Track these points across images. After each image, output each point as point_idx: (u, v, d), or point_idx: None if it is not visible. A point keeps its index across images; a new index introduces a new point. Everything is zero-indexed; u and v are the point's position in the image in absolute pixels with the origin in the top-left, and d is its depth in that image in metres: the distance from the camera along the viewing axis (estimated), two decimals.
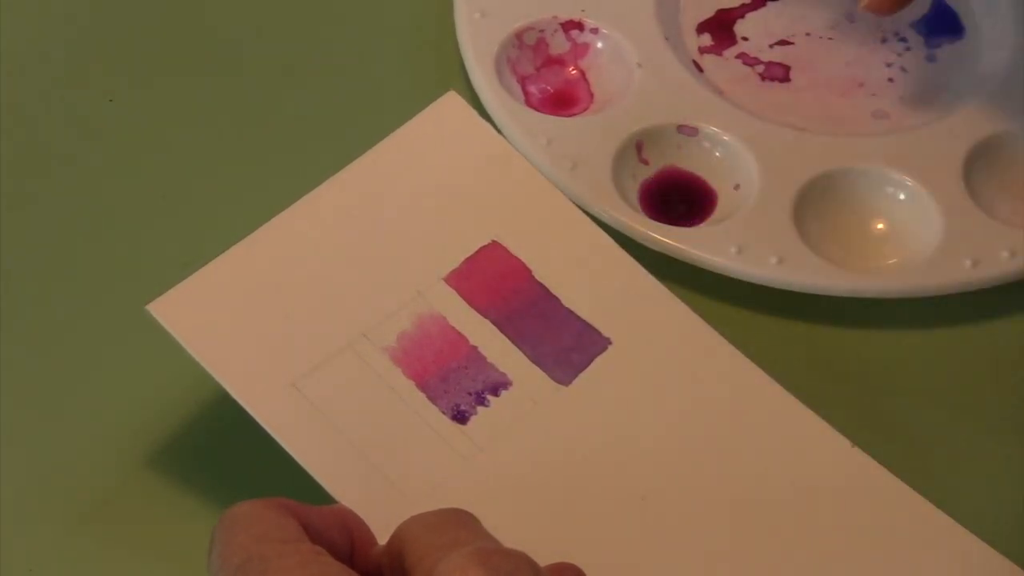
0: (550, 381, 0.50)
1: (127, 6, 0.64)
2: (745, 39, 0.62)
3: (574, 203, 0.54)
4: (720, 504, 0.48)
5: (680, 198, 0.57)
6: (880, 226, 0.56)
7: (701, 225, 0.56)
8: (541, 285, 0.52)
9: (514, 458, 0.48)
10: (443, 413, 0.49)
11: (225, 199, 0.58)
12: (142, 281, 0.50)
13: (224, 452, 0.51)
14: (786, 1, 0.63)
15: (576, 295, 0.52)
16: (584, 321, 0.51)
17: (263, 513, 0.40)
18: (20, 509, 0.50)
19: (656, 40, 0.60)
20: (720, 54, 0.62)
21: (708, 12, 0.63)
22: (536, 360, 0.50)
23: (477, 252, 0.52)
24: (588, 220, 0.54)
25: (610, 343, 0.51)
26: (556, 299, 0.52)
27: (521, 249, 0.52)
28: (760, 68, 0.61)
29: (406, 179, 0.53)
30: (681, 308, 0.52)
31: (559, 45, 0.61)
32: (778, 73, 0.61)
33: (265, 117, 0.60)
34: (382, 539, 0.42)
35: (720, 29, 0.62)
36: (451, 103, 0.55)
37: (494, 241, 0.53)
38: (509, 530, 0.41)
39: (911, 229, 0.56)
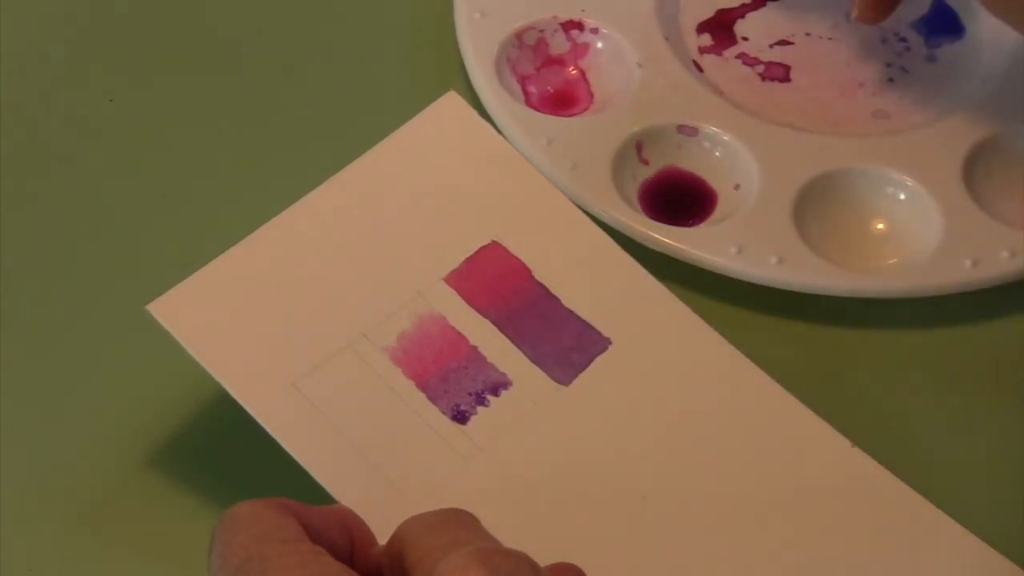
0: (550, 381, 0.50)
1: (127, 6, 0.64)
2: (745, 39, 0.62)
3: (574, 203, 0.54)
4: (720, 504, 0.48)
5: (680, 198, 0.57)
6: (880, 226, 0.56)
7: (701, 225, 0.56)
8: (541, 285, 0.52)
9: (514, 458, 0.48)
10: (443, 413, 0.49)
11: (225, 199, 0.58)
12: (142, 281, 0.50)
13: (224, 452, 0.51)
14: (786, 1, 0.63)
15: (576, 295, 0.52)
16: (584, 321, 0.51)
17: (263, 513, 0.40)
18: (20, 509, 0.50)
19: (656, 40, 0.60)
20: (720, 54, 0.62)
21: (708, 12, 0.63)
22: (536, 360, 0.50)
23: (477, 252, 0.52)
24: (588, 220, 0.54)
25: (610, 343, 0.51)
26: (556, 299, 0.52)
27: (521, 249, 0.52)
28: (760, 68, 0.61)
29: (406, 179, 0.53)
30: (681, 308, 0.52)
31: (559, 45, 0.61)
32: (778, 73, 0.61)
33: (265, 117, 0.60)
34: (382, 539, 0.42)
35: (720, 29, 0.62)
36: (451, 103, 0.55)
37: (494, 241, 0.53)
38: (509, 530, 0.41)
39: (911, 229, 0.56)
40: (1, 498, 0.50)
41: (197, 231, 0.57)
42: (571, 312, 0.52)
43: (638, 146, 0.57)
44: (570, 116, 0.59)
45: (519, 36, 0.60)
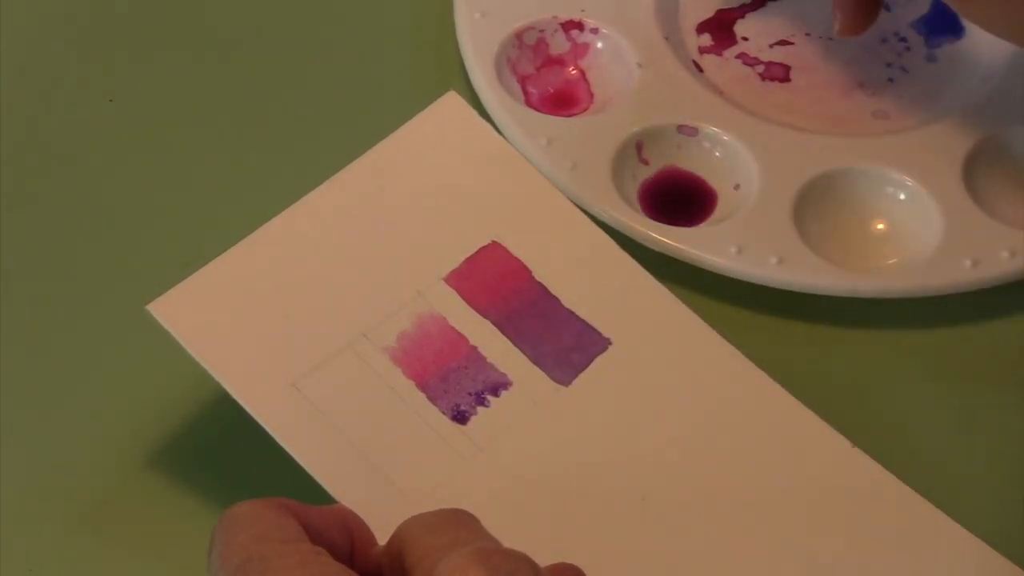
0: (550, 381, 0.50)
1: (127, 6, 0.64)
2: (745, 39, 0.62)
3: (574, 203, 0.54)
4: (720, 504, 0.48)
5: (680, 198, 0.57)
6: (880, 226, 0.56)
7: (701, 225, 0.56)
8: (541, 285, 0.52)
9: (514, 458, 0.48)
10: (443, 413, 0.49)
11: (225, 199, 0.58)
12: (142, 281, 0.50)
13: (224, 452, 0.51)
14: (786, 1, 0.63)
15: (576, 295, 0.52)
16: (584, 321, 0.51)
17: (263, 513, 0.40)
18: (20, 509, 0.50)
19: (656, 40, 0.60)
20: (720, 54, 0.62)
21: (708, 12, 0.63)
22: (536, 360, 0.50)
23: (477, 252, 0.52)
24: (588, 220, 0.54)
25: (610, 343, 0.51)
26: (556, 299, 0.52)
27: (521, 249, 0.52)
28: (760, 68, 0.61)
29: (406, 179, 0.53)
30: (681, 308, 0.52)
31: (559, 45, 0.61)
32: (778, 73, 0.61)
33: (265, 117, 0.60)
34: (382, 539, 0.42)
35: (720, 29, 0.62)
36: (451, 103, 0.55)
37: (494, 241, 0.53)
38: (509, 530, 0.41)
39: (911, 229, 0.56)
40: (1, 498, 0.50)
41: (197, 231, 0.57)
42: (571, 312, 0.52)
43: (638, 146, 0.57)
44: (570, 116, 0.59)
45: (519, 36, 0.60)
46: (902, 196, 0.56)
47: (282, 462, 0.47)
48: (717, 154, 0.58)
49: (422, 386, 0.49)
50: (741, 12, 0.63)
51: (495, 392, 0.50)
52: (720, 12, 0.63)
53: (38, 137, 0.60)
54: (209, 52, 0.62)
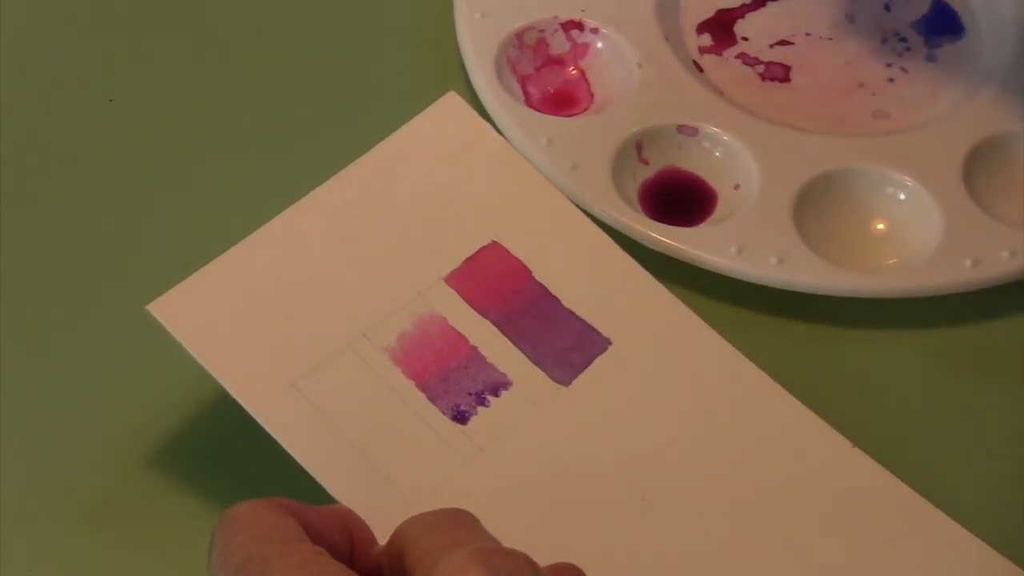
0: (550, 381, 0.50)
1: (127, 6, 0.64)
2: (745, 39, 0.62)
3: (574, 203, 0.54)
4: (720, 504, 0.48)
5: (680, 198, 0.57)
6: (880, 226, 0.56)
7: (701, 225, 0.56)
8: (541, 285, 0.52)
9: (514, 458, 0.48)
10: (443, 413, 0.49)
11: (225, 199, 0.58)
12: (142, 281, 0.50)
13: (224, 452, 0.51)
14: (786, 1, 0.63)
15: (576, 295, 0.52)
16: (584, 321, 0.51)
17: (263, 513, 0.40)
18: (20, 509, 0.50)
19: (656, 40, 0.60)
20: (720, 54, 0.62)
21: (708, 12, 0.63)
22: (536, 360, 0.50)
23: (477, 252, 0.52)
24: (588, 220, 0.54)
25: (610, 343, 0.51)
26: (556, 299, 0.52)
27: (521, 249, 0.52)
28: (760, 68, 0.61)
29: (406, 179, 0.53)
30: (681, 308, 0.52)
31: (559, 45, 0.61)
32: (778, 73, 0.61)
33: (265, 117, 0.60)
34: (382, 539, 0.42)
35: (720, 29, 0.62)
36: (451, 103, 0.55)
37: (494, 241, 0.53)
38: (509, 530, 0.41)
39: (911, 229, 0.56)
40: (1, 498, 0.50)
41: (197, 231, 0.57)
42: (571, 312, 0.52)
43: (638, 146, 0.57)
44: (570, 116, 0.59)
45: (519, 36, 0.60)
46: (902, 196, 0.56)
47: (282, 462, 0.47)
48: (717, 154, 0.58)
49: (422, 386, 0.49)
50: (741, 12, 0.63)
51: (495, 392, 0.50)
52: (720, 12, 0.63)
53: (38, 137, 0.60)
54: (209, 52, 0.62)
